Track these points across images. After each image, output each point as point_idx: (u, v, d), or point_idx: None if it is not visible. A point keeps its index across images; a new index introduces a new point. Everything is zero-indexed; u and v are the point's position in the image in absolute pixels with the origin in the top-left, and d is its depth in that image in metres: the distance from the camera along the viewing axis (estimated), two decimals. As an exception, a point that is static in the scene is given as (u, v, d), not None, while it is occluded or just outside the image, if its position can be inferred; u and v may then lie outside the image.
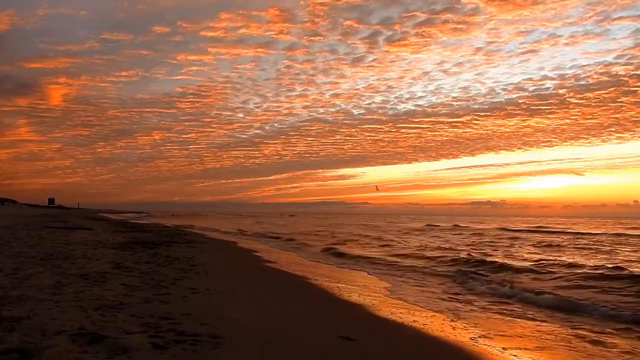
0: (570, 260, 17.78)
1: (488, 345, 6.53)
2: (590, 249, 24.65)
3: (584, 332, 7.72)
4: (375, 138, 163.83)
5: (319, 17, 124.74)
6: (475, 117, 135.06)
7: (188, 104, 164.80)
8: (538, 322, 8.42)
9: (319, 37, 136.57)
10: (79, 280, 8.69)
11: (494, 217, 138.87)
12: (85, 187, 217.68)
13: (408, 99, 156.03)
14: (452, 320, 8.11)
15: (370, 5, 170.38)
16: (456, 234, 38.68)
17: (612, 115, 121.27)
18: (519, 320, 8.55)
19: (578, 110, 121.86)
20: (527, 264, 17.03)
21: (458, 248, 24.10)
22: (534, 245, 26.40)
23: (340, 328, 6.79)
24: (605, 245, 26.67)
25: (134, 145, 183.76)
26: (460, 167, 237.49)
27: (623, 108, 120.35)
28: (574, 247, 25.28)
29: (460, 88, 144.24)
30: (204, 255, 15.64)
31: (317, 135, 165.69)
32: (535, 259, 18.85)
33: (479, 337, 7.02)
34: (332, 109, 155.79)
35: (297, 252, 22.18)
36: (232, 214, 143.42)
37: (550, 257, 19.35)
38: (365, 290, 10.99)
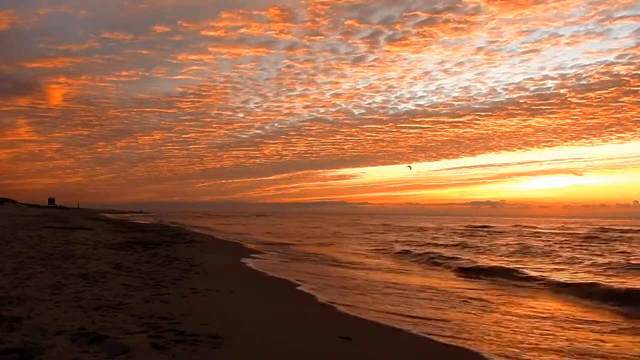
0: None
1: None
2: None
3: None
4: (376, 138, 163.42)
5: (319, 16, 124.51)
6: (476, 117, 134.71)
7: (188, 103, 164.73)
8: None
9: (319, 37, 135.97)
10: (79, 280, 8.69)
11: (480, 217, 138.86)
12: (85, 187, 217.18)
13: (409, 98, 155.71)
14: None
15: (371, 5, 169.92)
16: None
17: (613, 115, 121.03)
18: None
19: (579, 110, 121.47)
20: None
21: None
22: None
23: (340, 327, 6.80)
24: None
25: (134, 145, 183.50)
26: (460, 167, 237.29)
27: (624, 108, 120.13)
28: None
29: (461, 88, 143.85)
30: (204, 255, 15.65)
31: (318, 135, 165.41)
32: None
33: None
34: (333, 109, 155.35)
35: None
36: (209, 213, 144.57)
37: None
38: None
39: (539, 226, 52.99)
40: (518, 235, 35.02)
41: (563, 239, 30.66)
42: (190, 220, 64.91)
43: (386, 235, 36.99)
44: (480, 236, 34.38)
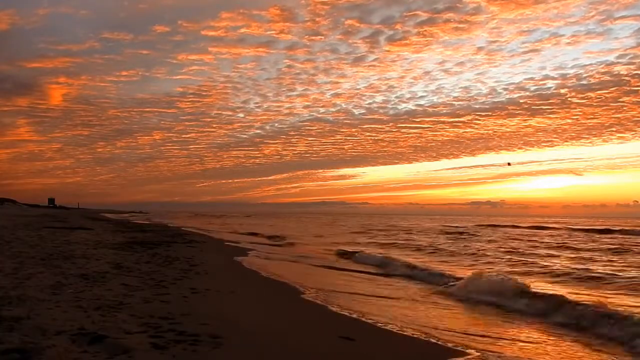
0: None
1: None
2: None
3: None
4: (376, 138, 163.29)
5: (320, 16, 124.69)
6: (476, 116, 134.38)
7: (188, 103, 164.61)
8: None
9: (320, 37, 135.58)
10: (79, 280, 8.69)
11: (478, 217, 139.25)
12: (85, 187, 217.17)
13: (409, 98, 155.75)
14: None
15: (371, 5, 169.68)
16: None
17: (613, 115, 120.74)
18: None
19: (579, 110, 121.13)
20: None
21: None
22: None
23: (340, 328, 6.80)
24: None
25: (134, 145, 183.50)
26: (460, 167, 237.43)
27: (624, 108, 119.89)
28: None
29: (461, 88, 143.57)
30: (204, 255, 15.66)
31: (318, 135, 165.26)
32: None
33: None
34: (333, 109, 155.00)
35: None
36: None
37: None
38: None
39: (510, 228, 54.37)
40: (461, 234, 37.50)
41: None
42: (183, 221, 64.37)
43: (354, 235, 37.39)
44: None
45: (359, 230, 44.09)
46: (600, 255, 20.01)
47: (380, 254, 19.31)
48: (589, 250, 22.80)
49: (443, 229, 44.90)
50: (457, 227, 51.38)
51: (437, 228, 48.29)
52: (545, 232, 41.79)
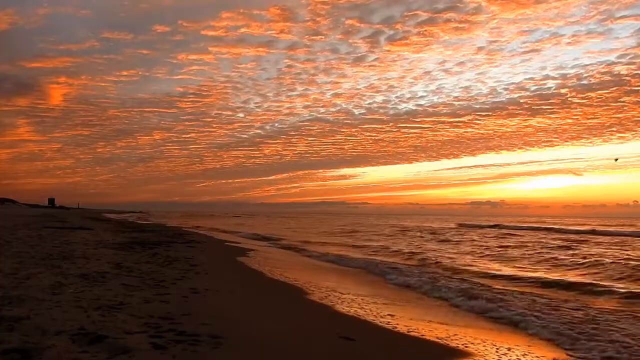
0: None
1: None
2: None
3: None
4: (376, 138, 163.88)
5: (320, 16, 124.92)
6: (477, 116, 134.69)
7: (189, 103, 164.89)
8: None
9: (320, 37, 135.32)
10: (79, 280, 8.68)
11: (476, 217, 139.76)
12: (85, 187, 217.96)
13: (409, 98, 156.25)
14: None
15: (372, 4, 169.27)
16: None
17: (614, 115, 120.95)
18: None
19: (580, 110, 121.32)
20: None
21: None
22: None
23: (340, 328, 6.80)
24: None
25: (134, 145, 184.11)
26: (460, 167, 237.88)
27: (625, 108, 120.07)
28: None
29: (461, 88, 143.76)
30: (204, 255, 15.65)
31: (318, 135, 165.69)
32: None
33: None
34: (333, 109, 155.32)
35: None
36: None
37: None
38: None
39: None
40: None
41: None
42: (173, 221, 64.19)
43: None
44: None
45: (342, 230, 45.17)
46: (551, 256, 20.05)
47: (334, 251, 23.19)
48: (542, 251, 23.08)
49: (421, 229, 47.23)
50: (431, 227, 53.57)
51: (422, 227, 50.86)
52: (521, 232, 43.33)
